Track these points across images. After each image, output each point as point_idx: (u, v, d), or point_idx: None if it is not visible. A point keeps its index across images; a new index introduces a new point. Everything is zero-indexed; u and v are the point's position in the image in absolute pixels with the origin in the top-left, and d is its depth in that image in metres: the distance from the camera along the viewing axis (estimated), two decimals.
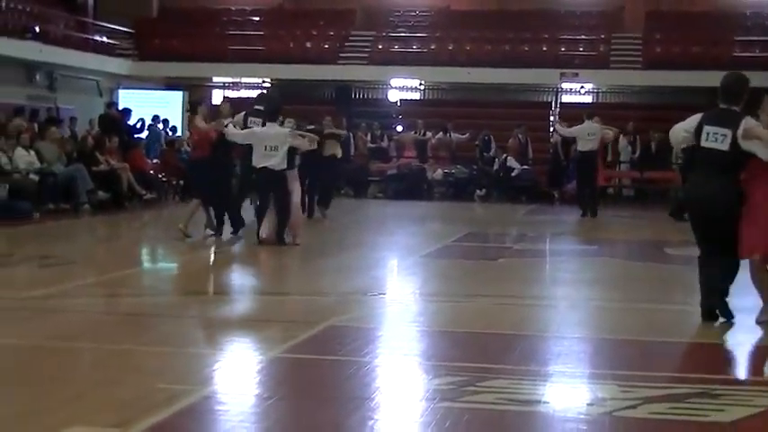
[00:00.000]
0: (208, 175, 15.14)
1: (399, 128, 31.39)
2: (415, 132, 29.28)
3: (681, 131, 9.29)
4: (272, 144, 14.39)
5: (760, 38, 31.59)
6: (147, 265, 13.95)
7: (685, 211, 11.34)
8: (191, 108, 14.39)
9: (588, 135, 22.47)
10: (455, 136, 27.97)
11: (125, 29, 33.17)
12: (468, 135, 28.16)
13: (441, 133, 28.41)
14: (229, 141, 15.02)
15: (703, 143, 8.89)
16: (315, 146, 15.64)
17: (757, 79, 30.59)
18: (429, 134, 28.97)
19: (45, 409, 5.78)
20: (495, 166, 28.15)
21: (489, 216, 22.97)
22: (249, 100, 20.89)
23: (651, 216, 23.82)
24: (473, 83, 32.28)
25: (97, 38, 31.53)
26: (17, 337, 7.95)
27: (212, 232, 15.44)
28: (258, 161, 14.49)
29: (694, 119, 9.08)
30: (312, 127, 17.97)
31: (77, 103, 28.47)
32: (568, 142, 28.88)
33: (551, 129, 31.47)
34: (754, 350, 8.41)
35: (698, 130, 8.94)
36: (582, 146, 22.71)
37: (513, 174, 27.50)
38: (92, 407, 5.85)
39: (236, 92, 33.93)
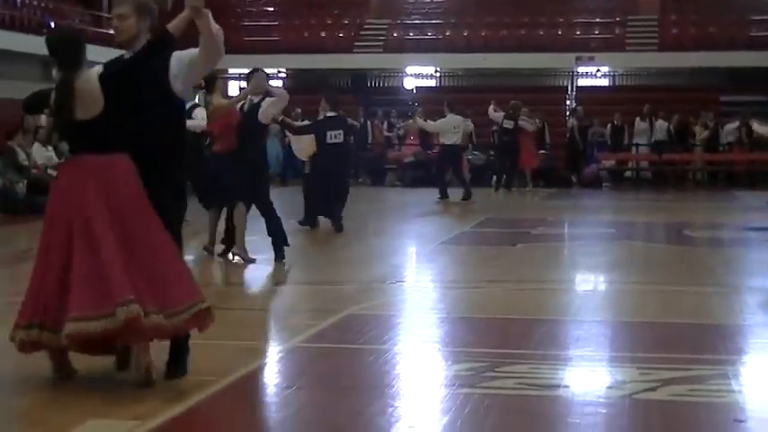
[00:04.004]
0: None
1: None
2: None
3: None
4: None
5: None
6: None
7: None
8: (206, 84, 11.78)
9: (454, 128, 21.80)
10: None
11: None
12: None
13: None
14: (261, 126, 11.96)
15: None
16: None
17: None
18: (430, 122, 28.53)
19: (66, 402, 5.83)
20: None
21: (507, 201, 22.94)
22: None
23: (670, 198, 23.80)
24: (489, 68, 32.22)
25: (112, 32, 31.58)
26: None
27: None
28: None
29: None
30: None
31: None
32: (583, 127, 28.88)
33: (568, 113, 31.44)
34: None
35: None
36: (446, 139, 21.94)
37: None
38: (112, 400, 5.88)
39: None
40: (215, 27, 6.24)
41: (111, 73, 6.25)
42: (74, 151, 6.22)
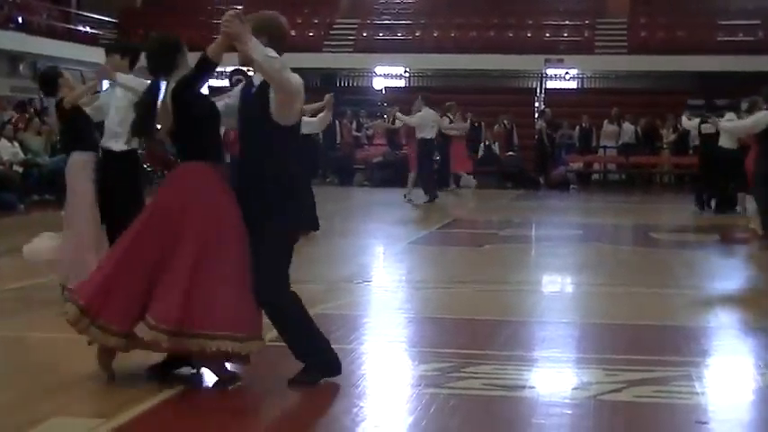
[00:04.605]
0: None
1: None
2: (386, 120, 28.57)
3: None
4: None
5: (743, 22, 31.64)
6: None
7: None
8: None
9: (432, 123, 21.65)
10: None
11: (109, 19, 33.11)
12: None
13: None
14: None
15: None
16: None
17: (740, 64, 30.72)
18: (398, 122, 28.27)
19: (30, 399, 5.78)
20: (480, 152, 28.13)
21: (475, 202, 22.98)
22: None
23: (637, 200, 23.94)
24: (458, 69, 32.29)
25: (81, 28, 31.46)
26: (1, 329, 7.95)
27: None
28: None
29: None
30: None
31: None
32: (555, 127, 29.00)
33: (536, 115, 31.53)
34: (739, 333, 8.44)
35: None
36: (425, 133, 21.53)
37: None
38: (77, 397, 5.86)
39: (221, 81, 33.91)
40: (260, 53, 5.92)
41: (172, 89, 6.21)
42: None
